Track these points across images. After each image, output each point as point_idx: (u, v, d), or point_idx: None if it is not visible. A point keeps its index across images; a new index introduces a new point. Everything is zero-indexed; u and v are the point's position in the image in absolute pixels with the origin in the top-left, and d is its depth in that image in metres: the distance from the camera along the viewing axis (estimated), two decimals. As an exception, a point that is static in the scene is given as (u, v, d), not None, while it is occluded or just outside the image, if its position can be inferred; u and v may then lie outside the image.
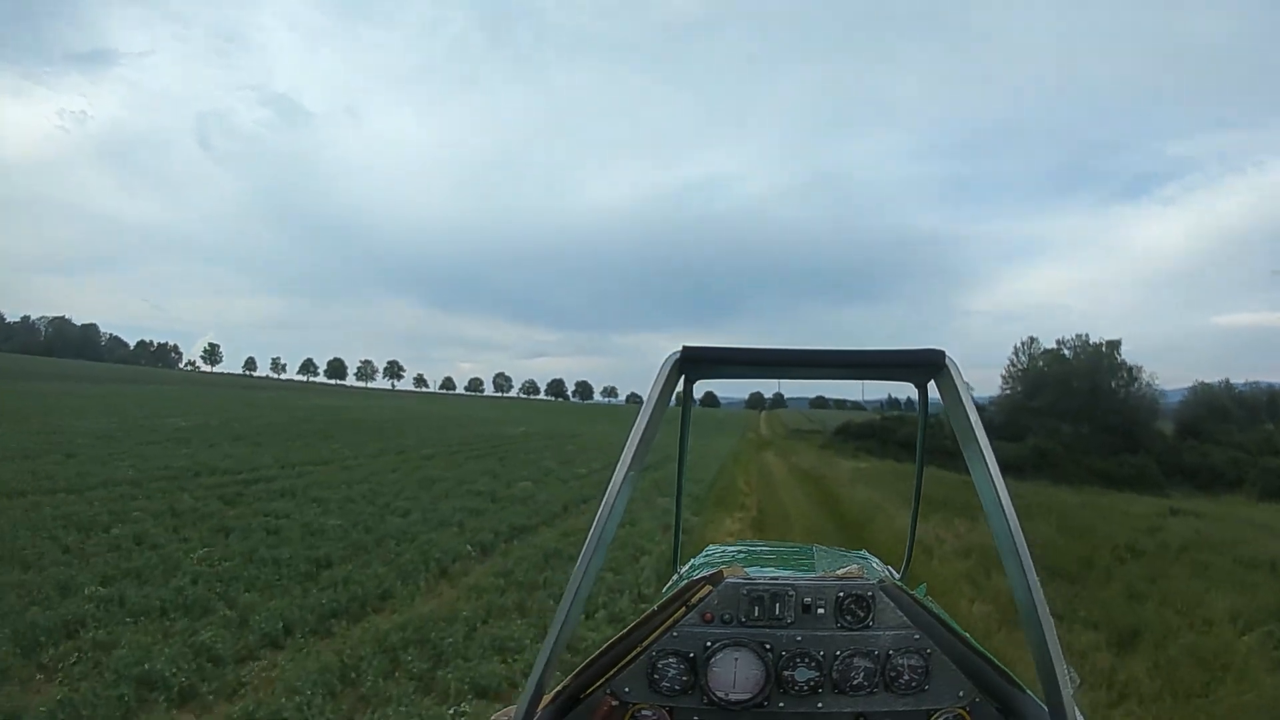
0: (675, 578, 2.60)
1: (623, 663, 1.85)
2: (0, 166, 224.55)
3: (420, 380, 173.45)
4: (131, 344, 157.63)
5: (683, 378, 1.88)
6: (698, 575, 1.94)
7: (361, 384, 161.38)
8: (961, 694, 1.83)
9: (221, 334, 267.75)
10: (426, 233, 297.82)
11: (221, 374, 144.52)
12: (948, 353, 1.69)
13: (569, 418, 73.05)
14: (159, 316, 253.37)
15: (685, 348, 1.75)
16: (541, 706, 1.73)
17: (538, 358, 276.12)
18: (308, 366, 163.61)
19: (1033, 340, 62.74)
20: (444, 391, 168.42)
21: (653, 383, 1.74)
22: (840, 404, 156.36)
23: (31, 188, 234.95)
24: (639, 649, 1.85)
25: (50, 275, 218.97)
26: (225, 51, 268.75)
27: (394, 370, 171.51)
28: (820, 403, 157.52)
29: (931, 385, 1.87)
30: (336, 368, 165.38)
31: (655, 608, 1.88)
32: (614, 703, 1.83)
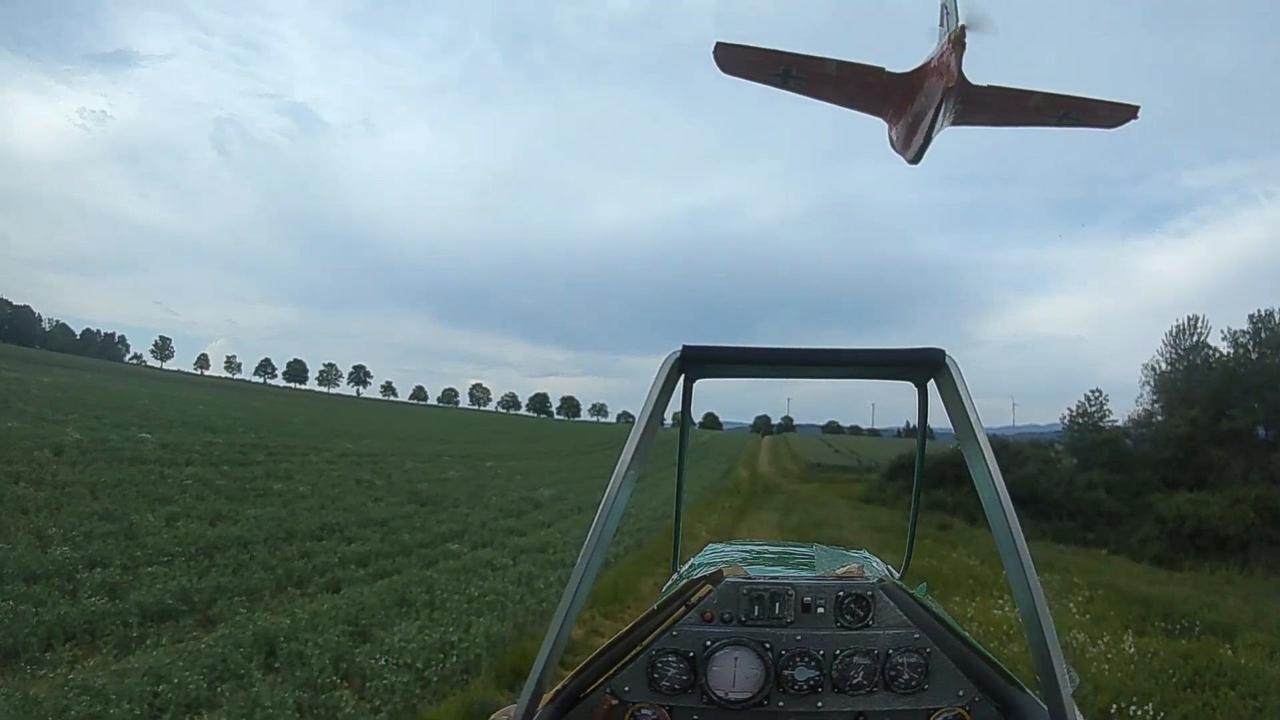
0: (675, 577, 2.59)
1: (623, 662, 1.86)
2: (18, 162, 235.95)
3: (388, 388, 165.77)
4: (78, 333, 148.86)
5: (683, 377, 1.88)
6: (697, 575, 1.94)
7: (324, 389, 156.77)
8: (961, 693, 1.82)
9: (232, 340, 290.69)
10: (439, 247, 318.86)
11: (160, 369, 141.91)
12: (947, 352, 1.69)
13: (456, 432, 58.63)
14: (171, 320, 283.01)
15: (685, 347, 1.76)
16: (542, 705, 1.74)
17: (548, 376, 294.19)
18: (265, 367, 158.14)
19: (1197, 321, 40.25)
20: (413, 401, 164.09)
21: (652, 381, 1.75)
22: (855, 430, 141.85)
23: (49, 185, 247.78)
24: (639, 648, 1.86)
25: (63, 274, 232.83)
26: (245, 59, 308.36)
27: (359, 376, 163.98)
28: (834, 428, 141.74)
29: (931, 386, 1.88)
30: (297, 370, 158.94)
31: (655, 607, 1.89)
32: (614, 701, 1.83)
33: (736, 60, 9.90)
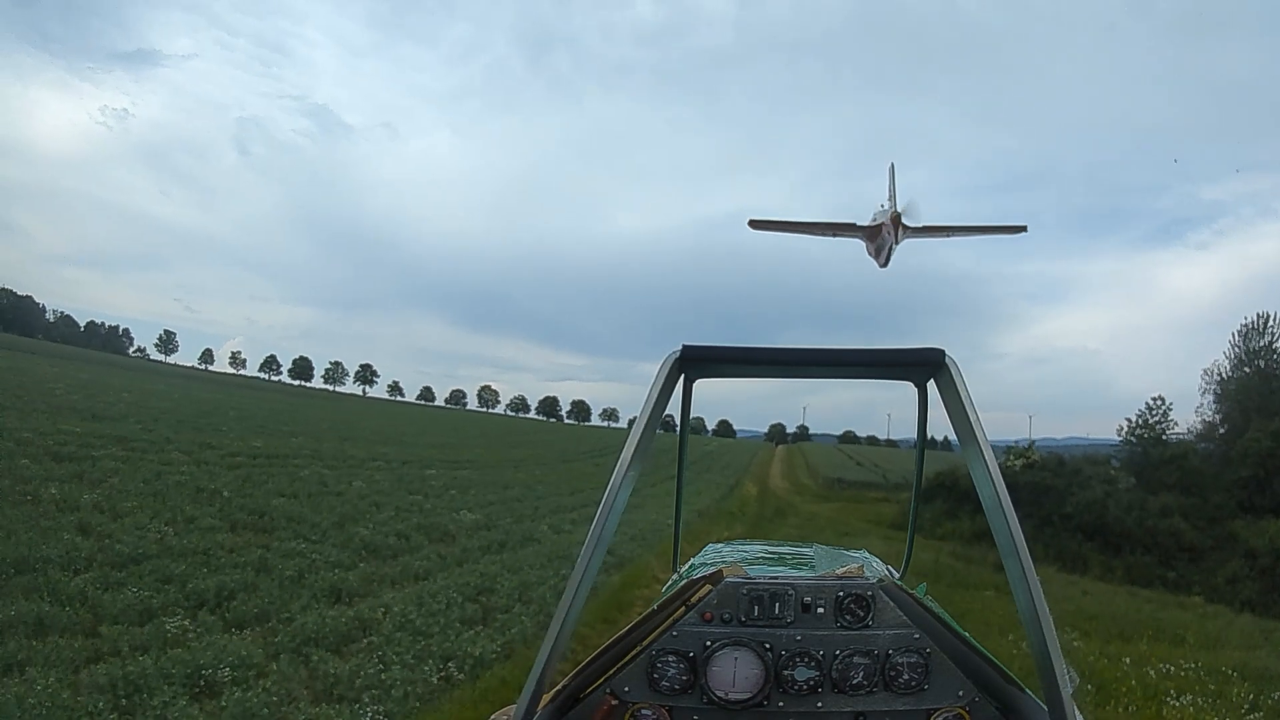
0: (675, 577, 2.61)
1: (623, 662, 1.88)
2: (40, 159, 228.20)
3: (395, 388, 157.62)
4: (82, 325, 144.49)
5: (683, 376, 1.90)
6: (697, 575, 1.95)
7: (329, 387, 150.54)
8: (961, 693, 1.82)
9: (251, 339, 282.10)
10: (458, 252, 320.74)
11: (164, 363, 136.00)
12: (947, 351, 1.70)
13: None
14: (191, 318, 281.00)
15: (685, 346, 1.77)
16: (542, 705, 1.75)
17: (564, 381, 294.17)
18: (270, 364, 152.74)
19: (1268, 320, 34.40)
20: (419, 402, 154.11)
21: (652, 381, 1.76)
22: (873, 440, 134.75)
23: (70, 182, 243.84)
24: (639, 648, 1.87)
25: (82, 269, 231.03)
26: (269, 60, 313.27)
27: (366, 375, 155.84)
28: (850, 437, 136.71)
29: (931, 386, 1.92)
30: (302, 367, 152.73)
31: (655, 607, 1.92)
32: (614, 702, 1.84)
33: (765, 225, 21.26)
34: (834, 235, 20.94)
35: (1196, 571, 25.83)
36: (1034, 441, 34.43)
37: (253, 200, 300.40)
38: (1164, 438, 34.68)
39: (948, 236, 21.06)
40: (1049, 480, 30.86)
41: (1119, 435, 35.69)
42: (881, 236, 20.41)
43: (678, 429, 2.43)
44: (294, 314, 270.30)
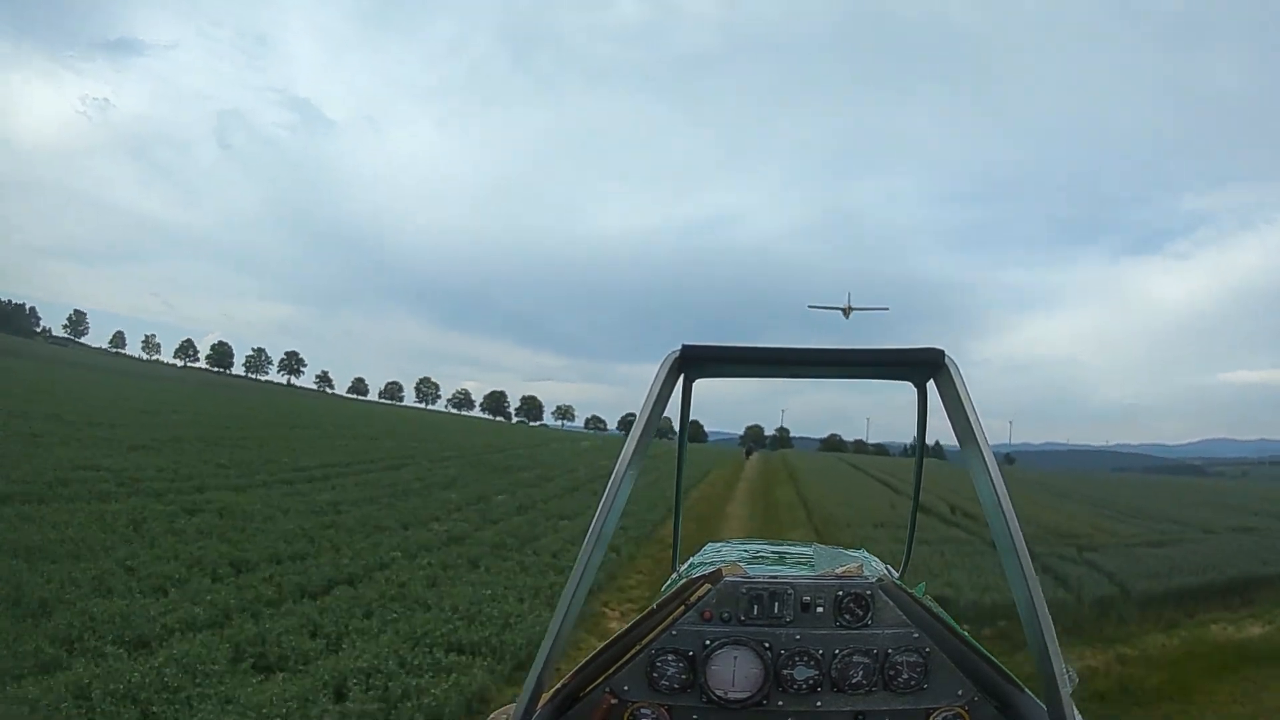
0: (674, 576, 2.62)
1: (622, 661, 1.90)
2: (19, 149, 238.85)
3: (324, 378, 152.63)
4: None
5: (682, 376, 1.91)
6: (697, 574, 1.98)
7: (252, 376, 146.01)
8: (960, 693, 1.84)
9: (228, 334, 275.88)
10: (439, 249, 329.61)
11: (71, 343, 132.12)
12: (947, 351, 1.73)
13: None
14: (168, 312, 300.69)
15: (684, 346, 1.79)
16: (541, 704, 1.79)
17: (542, 381, 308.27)
18: (186, 349, 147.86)
19: None
20: (351, 396, 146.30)
21: (651, 380, 1.78)
22: (861, 446, 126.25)
23: (49, 173, 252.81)
24: (638, 647, 1.90)
25: (61, 262, 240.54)
26: (251, 52, 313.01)
27: (292, 364, 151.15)
28: (835, 443, 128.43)
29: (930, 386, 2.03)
30: (221, 354, 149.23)
31: (654, 606, 1.95)
32: (613, 701, 1.86)
33: (818, 308, 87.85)
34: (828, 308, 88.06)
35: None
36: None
37: (234, 194, 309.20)
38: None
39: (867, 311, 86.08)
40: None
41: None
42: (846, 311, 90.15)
43: (678, 428, 2.43)
44: (273, 310, 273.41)
